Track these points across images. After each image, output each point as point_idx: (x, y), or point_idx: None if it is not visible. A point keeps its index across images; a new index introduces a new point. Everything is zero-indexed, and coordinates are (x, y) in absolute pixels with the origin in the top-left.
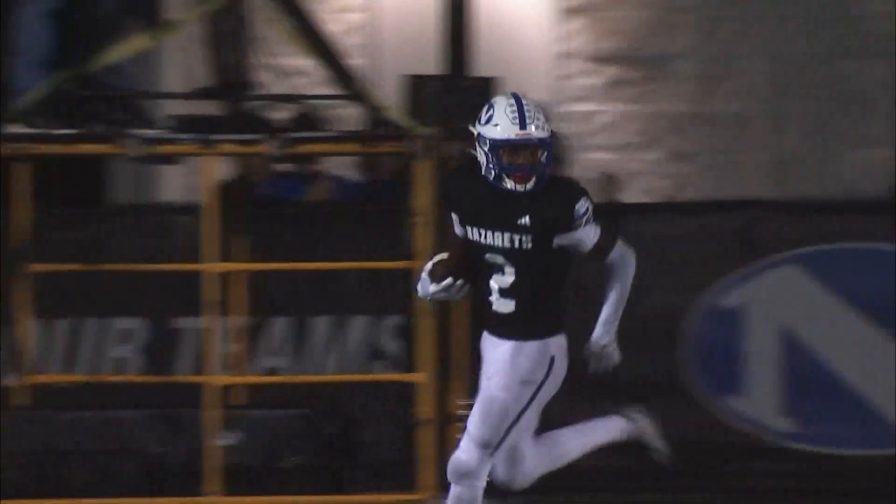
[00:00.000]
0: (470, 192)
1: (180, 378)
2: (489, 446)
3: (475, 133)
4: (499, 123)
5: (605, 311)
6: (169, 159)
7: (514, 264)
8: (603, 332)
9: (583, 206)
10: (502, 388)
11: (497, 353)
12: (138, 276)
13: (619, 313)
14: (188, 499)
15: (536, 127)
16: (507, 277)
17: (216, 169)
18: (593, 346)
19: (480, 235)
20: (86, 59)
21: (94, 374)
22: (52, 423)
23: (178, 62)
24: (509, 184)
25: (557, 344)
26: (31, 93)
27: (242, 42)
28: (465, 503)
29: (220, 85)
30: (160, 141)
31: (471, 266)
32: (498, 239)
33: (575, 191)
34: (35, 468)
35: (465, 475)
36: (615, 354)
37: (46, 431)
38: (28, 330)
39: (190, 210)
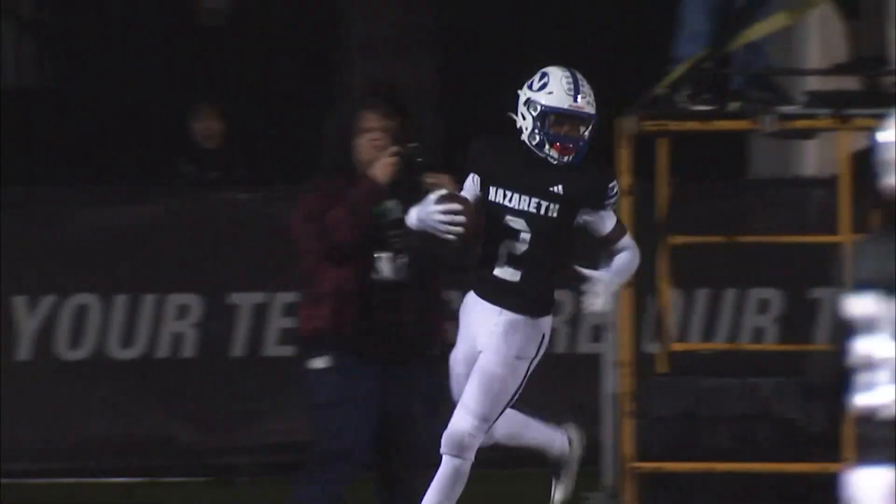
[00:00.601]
0: (502, 154)
1: (816, 347)
2: (488, 420)
3: (523, 98)
4: (553, 91)
5: (610, 267)
6: (805, 134)
7: (532, 230)
8: (604, 275)
9: (615, 187)
10: (500, 364)
11: (488, 324)
12: (775, 247)
13: (620, 278)
14: (825, 464)
15: (588, 103)
16: (521, 245)
17: (852, 142)
18: (593, 281)
19: (505, 197)
20: (727, 38)
21: (733, 342)
22: (692, 389)
23: (819, 38)
24: (553, 153)
25: (548, 324)
26: (674, 70)
27: (881, 17)
28: (458, 475)
29: (856, 60)
30: (795, 117)
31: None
32: (524, 202)
33: (609, 172)
34: (676, 433)
35: (464, 447)
36: (599, 302)
37: (687, 397)
38: (669, 300)
39: (825, 183)
